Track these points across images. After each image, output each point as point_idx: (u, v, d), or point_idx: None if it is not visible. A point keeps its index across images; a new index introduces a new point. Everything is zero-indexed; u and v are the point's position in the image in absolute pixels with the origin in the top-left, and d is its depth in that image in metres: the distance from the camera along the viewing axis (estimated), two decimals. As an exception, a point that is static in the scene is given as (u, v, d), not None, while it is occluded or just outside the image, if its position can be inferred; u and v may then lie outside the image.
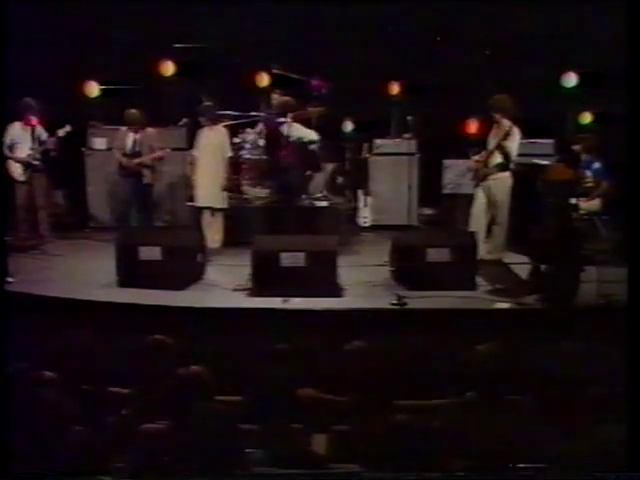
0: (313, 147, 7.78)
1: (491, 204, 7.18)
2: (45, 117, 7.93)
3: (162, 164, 8.47)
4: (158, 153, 8.14)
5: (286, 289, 6.18)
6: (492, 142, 7.16)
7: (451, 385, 4.20)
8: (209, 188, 8.09)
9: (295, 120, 8.80)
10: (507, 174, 7.12)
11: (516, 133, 7.04)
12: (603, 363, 4.19)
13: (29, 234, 7.92)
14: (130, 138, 8.04)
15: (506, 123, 7.03)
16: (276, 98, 8.14)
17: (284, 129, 7.62)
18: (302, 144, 7.68)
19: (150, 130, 8.17)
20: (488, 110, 7.21)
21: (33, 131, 7.79)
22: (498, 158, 7.09)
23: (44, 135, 7.88)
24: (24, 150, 7.80)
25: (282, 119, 7.63)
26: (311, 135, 7.82)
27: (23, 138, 7.79)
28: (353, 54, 9.25)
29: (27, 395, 3.85)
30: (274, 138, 7.87)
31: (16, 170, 7.80)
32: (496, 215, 7.18)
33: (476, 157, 7.32)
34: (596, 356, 4.32)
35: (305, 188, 8.19)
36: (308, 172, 8.08)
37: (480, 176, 7.22)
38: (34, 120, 7.78)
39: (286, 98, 7.88)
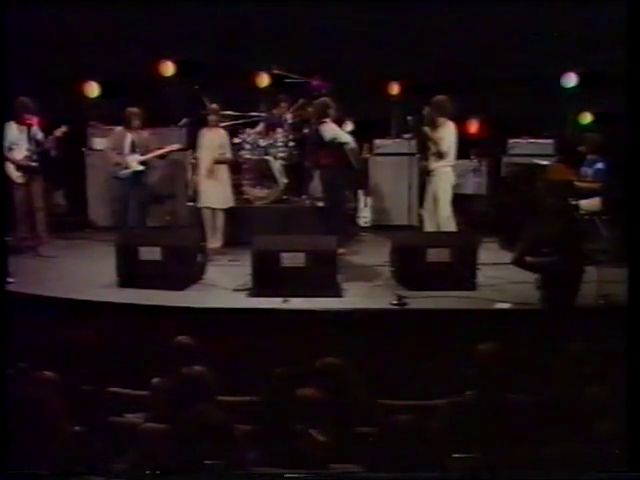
0: (346, 148, 7.79)
1: (433, 198, 7.33)
2: (41, 116, 7.89)
3: (163, 164, 8.48)
4: (168, 148, 8.11)
5: (286, 289, 6.18)
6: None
7: (451, 385, 4.21)
8: (214, 189, 8.11)
9: (295, 119, 8.88)
10: (448, 169, 7.28)
11: (449, 125, 7.24)
12: (603, 363, 4.19)
13: (29, 235, 7.90)
14: (128, 138, 8.01)
15: (441, 119, 7.22)
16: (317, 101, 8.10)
17: (320, 130, 7.68)
18: (336, 145, 7.70)
19: (147, 131, 8.16)
20: (430, 110, 7.34)
21: (29, 131, 7.74)
22: (435, 151, 7.27)
23: (40, 135, 7.80)
24: (21, 151, 7.73)
25: (324, 119, 7.69)
26: (344, 136, 7.84)
27: (19, 139, 7.70)
28: (353, 54, 9.25)
29: (27, 395, 3.84)
30: (310, 139, 7.95)
31: (13, 172, 7.67)
32: (439, 209, 7.28)
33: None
34: (596, 356, 4.32)
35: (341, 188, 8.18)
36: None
37: (425, 171, 7.45)
38: (30, 119, 7.72)
39: (325, 99, 7.91)
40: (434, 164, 7.32)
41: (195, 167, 8.32)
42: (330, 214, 7.85)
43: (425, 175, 7.47)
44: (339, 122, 8.04)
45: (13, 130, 7.66)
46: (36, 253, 7.70)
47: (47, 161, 7.93)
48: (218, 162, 8.12)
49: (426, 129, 7.35)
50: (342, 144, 7.72)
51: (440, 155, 7.27)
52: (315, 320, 5.70)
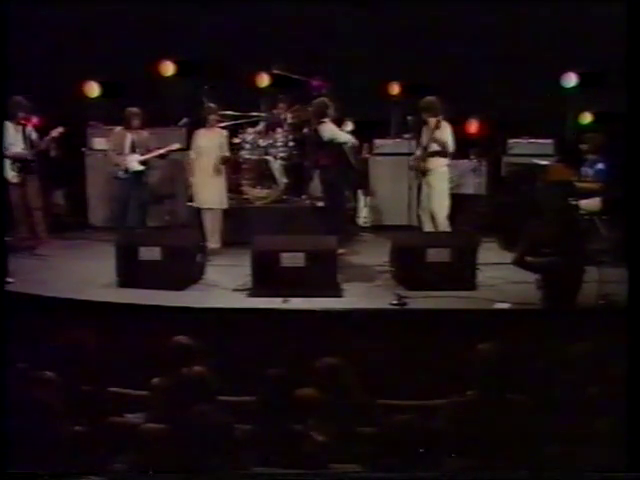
0: (346, 148, 7.78)
1: (431, 198, 7.33)
2: (40, 116, 7.88)
3: (163, 164, 8.48)
4: (168, 147, 8.10)
5: (286, 289, 6.18)
6: (425, 139, 7.34)
7: (451, 385, 4.20)
8: (210, 189, 8.10)
9: (294, 119, 8.88)
10: (445, 168, 7.32)
11: (445, 125, 7.26)
12: (603, 363, 4.19)
13: (28, 235, 7.89)
14: (128, 138, 8.00)
15: (433, 120, 7.23)
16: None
17: (319, 130, 7.69)
18: (335, 145, 7.70)
19: (147, 131, 8.15)
20: (418, 112, 7.38)
21: (24, 131, 7.73)
22: (436, 150, 7.28)
23: (34, 135, 7.81)
24: (16, 151, 7.72)
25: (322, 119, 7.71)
26: (343, 136, 7.84)
27: (16, 139, 7.69)
28: (353, 54, 9.25)
29: (27, 395, 3.84)
30: (310, 139, 7.99)
31: (9, 172, 7.63)
32: (437, 209, 7.28)
33: (416, 154, 7.52)
34: (596, 356, 4.32)
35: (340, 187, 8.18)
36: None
37: (421, 171, 7.39)
38: (25, 119, 7.69)
39: (323, 99, 7.92)
40: (431, 164, 7.31)
41: (192, 167, 8.30)
42: (330, 214, 7.85)
43: (421, 175, 7.45)
44: (339, 122, 8.04)
45: (9, 130, 7.65)
46: (36, 253, 7.69)
47: (46, 161, 7.92)
48: (216, 162, 8.10)
49: (423, 130, 7.38)
50: (341, 144, 7.72)
51: (436, 155, 7.27)
52: (315, 320, 5.70)
